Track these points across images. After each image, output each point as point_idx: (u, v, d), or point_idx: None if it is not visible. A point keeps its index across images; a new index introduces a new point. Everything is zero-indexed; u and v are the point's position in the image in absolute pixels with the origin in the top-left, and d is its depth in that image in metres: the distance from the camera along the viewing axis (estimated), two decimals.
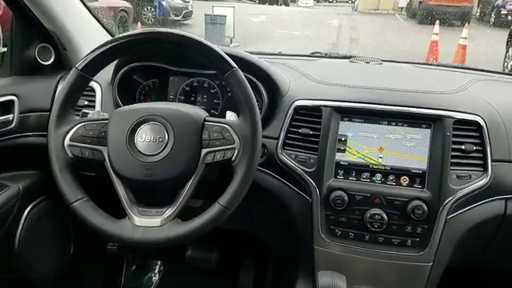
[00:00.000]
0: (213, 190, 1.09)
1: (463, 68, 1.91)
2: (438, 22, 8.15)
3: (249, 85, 1.15)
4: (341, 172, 1.39)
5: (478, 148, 1.32)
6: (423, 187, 1.33)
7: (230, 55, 1.18)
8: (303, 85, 1.51)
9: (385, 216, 1.31)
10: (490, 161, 1.31)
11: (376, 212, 1.32)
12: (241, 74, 1.15)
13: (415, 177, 1.34)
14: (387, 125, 1.37)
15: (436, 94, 1.41)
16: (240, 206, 1.07)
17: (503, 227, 1.35)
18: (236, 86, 1.14)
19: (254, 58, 1.47)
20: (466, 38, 7.60)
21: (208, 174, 1.20)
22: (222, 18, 10.36)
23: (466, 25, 7.87)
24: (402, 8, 20.89)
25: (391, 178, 1.36)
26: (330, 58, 2.01)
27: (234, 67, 1.15)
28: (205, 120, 1.16)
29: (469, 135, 1.33)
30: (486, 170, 1.28)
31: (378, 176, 1.37)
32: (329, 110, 1.39)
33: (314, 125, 1.40)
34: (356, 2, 25.48)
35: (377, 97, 1.40)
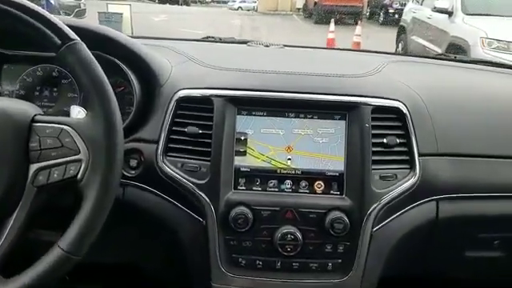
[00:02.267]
0: (72, 215, 0.78)
1: (370, 51, 1.72)
2: (332, 20, 8.40)
3: (97, 64, 0.78)
4: (242, 181, 1.08)
5: (401, 141, 1.10)
6: (342, 193, 1.08)
7: (72, 27, 0.80)
8: (189, 70, 1.18)
9: (299, 235, 1.03)
10: (416, 155, 1.10)
11: (288, 230, 1.04)
12: (85, 48, 0.78)
13: (332, 181, 1.09)
14: (295, 117, 1.10)
15: (347, 77, 1.17)
16: (111, 234, 0.85)
17: (436, 232, 1.15)
18: (77, 65, 0.77)
19: (117, 34, 1.09)
20: (359, 35, 7.91)
21: (53, 200, 0.81)
22: (118, 16, 9.76)
23: (359, 22, 8.21)
24: (299, 9, 21.67)
25: (303, 184, 1.09)
26: (224, 42, 1.70)
27: (73, 39, 0.77)
28: (33, 120, 0.78)
29: (390, 126, 1.11)
30: (412, 166, 1.08)
31: (288, 183, 1.08)
32: (222, 100, 1.08)
33: (204, 121, 1.08)
34: (256, 4, 26.02)
35: (280, 83, 1.11)
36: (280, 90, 1.10)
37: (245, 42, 1.63)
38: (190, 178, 1.06)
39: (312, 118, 1.10)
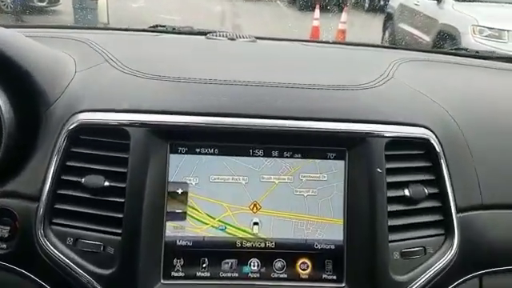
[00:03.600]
0: None
1: (365, 45, 1.30)
2: (317, 6, 7.94)
3: None
4: (178, 264, 0.67)
5: (432, 191, 0.71)
6: (341, 280, 0.68)
7: None
8: (100, 79, 0.75)
9: None
10: (454, 212, 0.70)
11: None
12: None
13: (324, 258, 0.69)
14: (265, 157, 0.69)
15: (346, 89, 0.76)
16: None
17: None
18: None
19: None
20: (345, 22, 7.48)
21: None
22: (92, 3, 9.25)
23: (345, 8, 7.80)
24: None
25: (279, 264, 0.68)
26: (177, 33, 1.26)
27: None
28: None
29: (414, 168, 0.71)
30: (449, 230, 0.72)
31: (254, 263, 0.68)
32: (144, 131, 0.66)
33: (113, 166, 0.67)
34: None
35: (242, 102, 0.70)
36: (241, 113, 0.68)
37: (204, 33, 1.20)
38: (88, 265, 0.65)
39: (292, 157, 0.69)
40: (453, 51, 1.47)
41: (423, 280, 0.67)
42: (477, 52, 1.32)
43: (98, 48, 0.85)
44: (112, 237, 0.64)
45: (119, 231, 0.64)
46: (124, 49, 0.90)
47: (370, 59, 1.04)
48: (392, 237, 0.67)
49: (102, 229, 0.65)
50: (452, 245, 0.70)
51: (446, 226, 0.71)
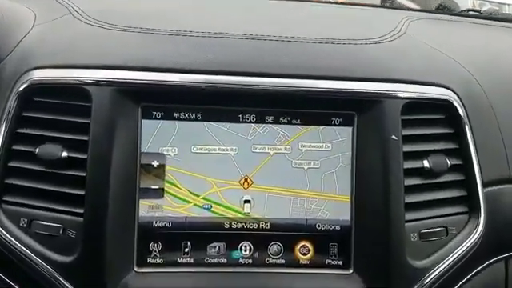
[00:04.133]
0: None
1: (374, 6, 1.17)
2: None
3: None
4: (155, 249, 0.56)
5: (455, 162, 0.60)
6: (348, 266, 0.58)
7: None
8: (61, 31, 0.62)
9: None
10: (479, 186, 0.60)
11: None
12: None
13: (328, 241, 0.58)
14: (257, 123, 0.58)
15: (354, 43, 0.64)
16: None
17: None
18: None
19: None
20: None
21: None
22: None
23: None
24: None
25: (275, 248, 0.58)
26: None
27: None
28: None
29: (433, 135, 0.60)
30: (474, 208, 0.62)
31: (246, 247, 0.58)
32: (110, 92, 0.54)
33: (73, 134, 0.55)
34: None
35: (230, 55, 0.59)
36: (229, 70, 0.56)
37: None
38: (45, 251, 0.54)
39: (290, 123, 0.58)
40: (466, 13, 1.34)
41: (445, 266, 0.57)
42: (490, 14, 1.19)
43: (63, 0, 0.73)
44: (73, 218, 0.54)
45: (81, 211, 0.53)
46: (93, 0, 0.78)
47: (378, 17, 0.92)
48: (409, 216, 0.57)
49: (61, 208, 0.54)
50: (477, 224, 0.59)
51: (470, 202, 0.61)
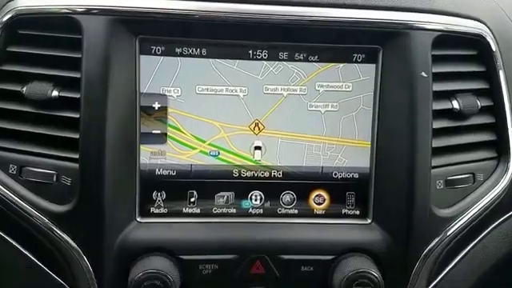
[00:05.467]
0: None
1: None
2: None
3: None
4: (159, 198, 0.52)
5: (486, 104, 0.56)
6: (366, 216, 0.54)
7: None
8: None
9: None
10: (510, 129, 0.56)
11: None
12: None
13: (345, 190, 0.54)
14: (269, 60, 0.51)
15: None
16: None
17: None
18: None
19: None
20: None
21: None
22: None
23: None
24: None
25: (288, 198, 0.54)
26: None
27: None
28: None
29: (464, 74, 0.54)
30: (503, 152, 0.57)
31: (256, 197, 0.53)
32: (102, 22, 0.47)
33: (63, 70, 0.50)
34: None
35: None
36: None
37: None
38: (38, 200, 0.50)
39: (306, 60, 0.52)
40: None
41: (470, 215, 0.54)
42: None
43: None
44: (67, 163, 0.49)
45: (75, 156, 0.48)
46: None
47: None
48: (435, 161, 0.52)
49: (54, 153, 0.49)
50: (507, 170, 0.56)
51: (499, 147, 0.56)
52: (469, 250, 0.57)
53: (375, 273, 0.50)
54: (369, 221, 0.54)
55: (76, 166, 0.48)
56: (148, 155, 0.52)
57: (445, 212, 0.53)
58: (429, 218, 0.52)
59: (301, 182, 0.54)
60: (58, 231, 0.49)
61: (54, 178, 0.49)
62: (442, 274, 0.55)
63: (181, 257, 0.50)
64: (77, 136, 0.48)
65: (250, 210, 0.54)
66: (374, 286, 0.50)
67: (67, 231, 0.49)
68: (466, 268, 0.57)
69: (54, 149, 0.49)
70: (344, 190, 0.54)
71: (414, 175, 0.51)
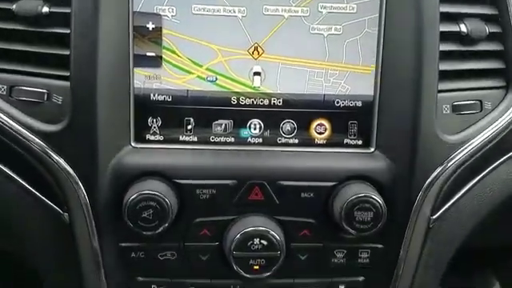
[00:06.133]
0: None
1: None
2: None
3: None
4: (155, 124, 0.50)
5: (493, 30, 0.54)
6: (368, 144, 0.52)
7: None
8: None
9: (277, 237, 0.50)
10: None
11: (256, 229, 0.50)
12: None
13: (348, 118, 0.52)
14: None
15: None
16: None
17: None
18: None
19: None
20: None
21: None
22: None
23: None
24: None
25: (288, 127, 0.52)
26: None
27: None
28: None
29: None
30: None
31: (255, 125, 0.52)
32: None
33: None
34: None
35: None
36: None
37: None
38: (29, 120, 0.48)
39: None
40: None
41: (477, 143, 0.52)
42: None
43: None
44: (58, 82, 0.47)
45: (67, 74, 0.46)
46: None
47: None
48: (442, 86, 0.51)
49: (44, 71, 0.48)
50: None
51: (508, 76, 0.54)
52: (473, 185, 0.55)
53: (378, 198, 0.49)
54: (372, 149, 0.52)
55: (67, 84, 0.46)
56: (142, 79, 0.49)
57: (450, 138, 0.51)
58: (434, 144, 0.50)
59: (302, 111, 0.52)
60: (50, 152, 0.47)
61: (45, 97, 0.47)
62: (446, 207, 0.54)
63: (177, 181, 0.49)
64: (67, 52, 0.46)
65: (249, 139, 0.52)
66: (376, 211, 0.48)
67: (59, 152, 0.48)
68: (469, 204, 0.56)
69: (44, 67, 0.48)
70: (346, 118, 0.52)
71: (419, 98, 0.49)
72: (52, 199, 0.50)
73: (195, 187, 0.49)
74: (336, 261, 0.53)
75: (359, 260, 0.53)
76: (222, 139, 0.52)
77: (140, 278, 0.53)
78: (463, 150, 0.52)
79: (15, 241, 0.56)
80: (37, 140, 0.47)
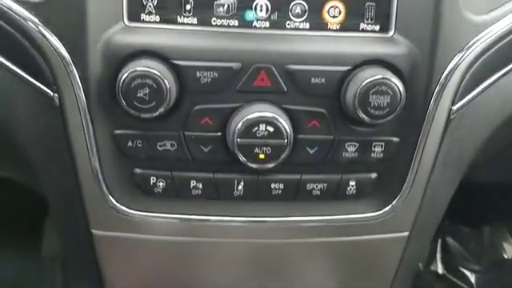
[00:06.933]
0: None
1: None
2: None
3: None
4: (150, 3, 0.46)
5: None
6: (386, 28, 0.47)
7: None
8: None
9: (285, 124, 0.46)
10: None
11: (262, 115, 0.46)
12: None
13: (363, 0, 0.47)
14: None
15: None
16: None
17: None
18: None
19: None
20: None
21: None
22: None
23: None
24: None
25: (298, 9, 0.47)
26: None
27: None
28: None
29: None
30: None
31: (262, 7, 0.47)
32: None
33: None
34: None
35: None
36: None
37: None
38: None
39: None
40: None
41: (505, 24, 0.47)
42: None
43: None
44: None
45: None
46: None
47: None
48: None
49: None
50: None
51: None
52: (498, 78, 0.50)
53: (397, 81, 0.44)
54: (391, 33, 0.47)
55: None
56: None
57: (477, 18, 0.46)
58: (458, 24, 0.45)
59: None
60: (37, 21, 0.43)
61: None
62: (468, 97, 0.49)
63: (176, 62, 0.44)
64: None
65: (255, 23, 0.47)
66: (394, 95, 0.44)
67: (46, 23, 0.43)
68: (493, 98, 0.51)
69: None
70: (363, 0, 0.47)
71: None
72: (41, 80, 0.46)
73: (195, 69, 0.44)
74: (347, 155, 0.48)
75: (372, 154, 0.48)
76: (225, 22, 0.46)
77: (138, 170, 0.49)
78: (490, 32, 0.47)
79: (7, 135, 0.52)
80: (21, 9, 0.43)
